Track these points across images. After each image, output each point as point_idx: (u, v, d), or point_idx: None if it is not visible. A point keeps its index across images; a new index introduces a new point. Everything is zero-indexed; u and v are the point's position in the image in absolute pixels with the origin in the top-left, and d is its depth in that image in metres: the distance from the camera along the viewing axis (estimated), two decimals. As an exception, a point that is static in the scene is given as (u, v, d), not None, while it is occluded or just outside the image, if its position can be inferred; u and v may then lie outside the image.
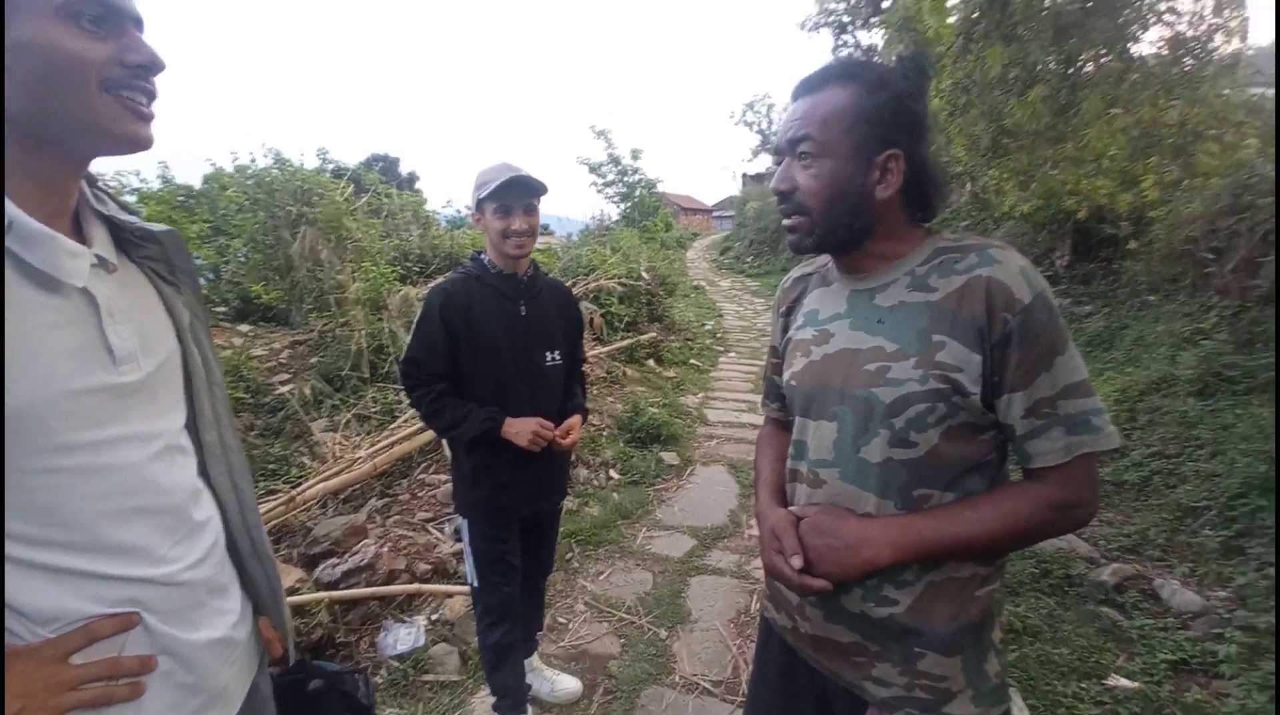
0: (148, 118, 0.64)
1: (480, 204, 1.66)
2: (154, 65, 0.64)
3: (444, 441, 3.45)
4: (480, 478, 1.73)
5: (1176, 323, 4.74)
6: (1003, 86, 3.77)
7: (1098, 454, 0.80)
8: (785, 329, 1.08)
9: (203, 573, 0.75)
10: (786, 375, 1.01)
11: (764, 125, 21.26)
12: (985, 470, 0.86)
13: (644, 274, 7.49)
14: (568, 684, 2.09)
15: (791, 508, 0.95)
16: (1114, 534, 3.16)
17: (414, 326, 1.68)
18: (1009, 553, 0.91)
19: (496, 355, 1.67)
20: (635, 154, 17.30)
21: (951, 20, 4.67)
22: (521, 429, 1.65)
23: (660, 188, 18.61)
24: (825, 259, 1.03)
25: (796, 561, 0.87)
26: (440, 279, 1.67)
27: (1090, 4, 3.52)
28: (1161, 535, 3.08)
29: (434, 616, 2.36)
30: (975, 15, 3.76)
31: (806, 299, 1.03)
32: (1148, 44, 3.63)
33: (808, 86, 0.90)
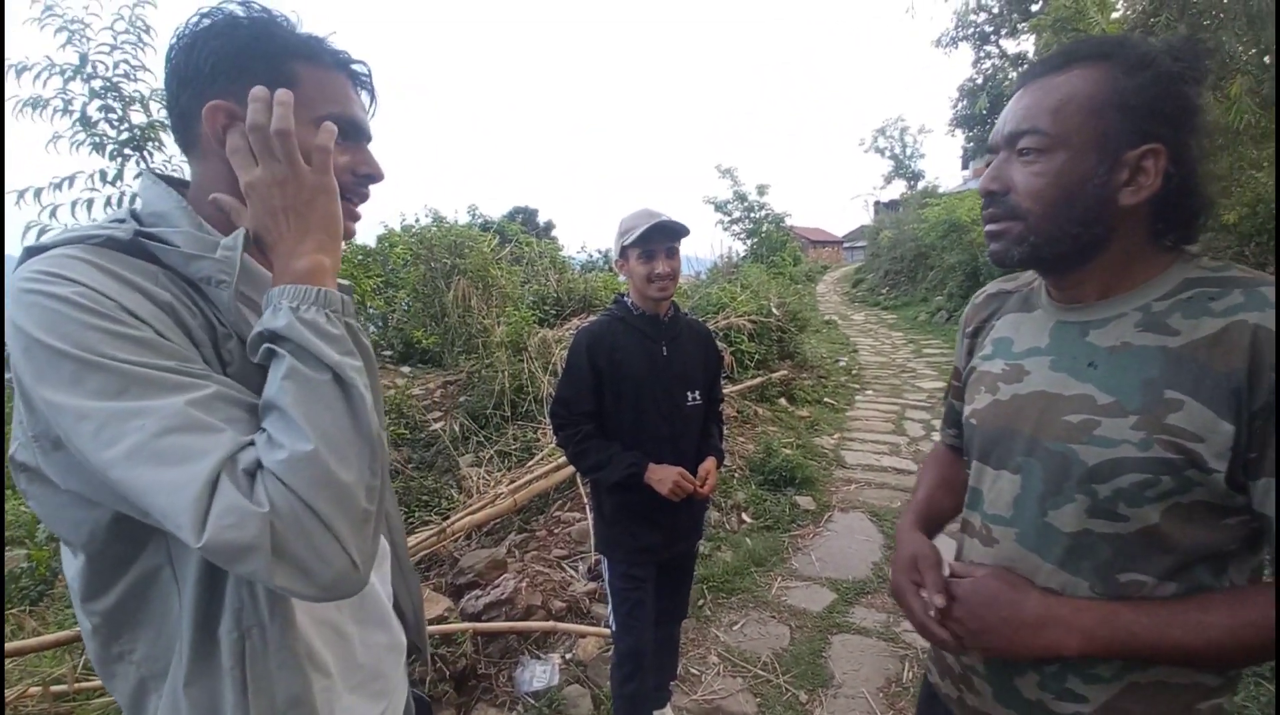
0: (357, 218, 0.75)
1: (625, 250, 1.71)
2: (375, 177, 0.75)
3: (581, 479, 3.56)
4: (620, 518, 1.76)
5: None
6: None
7: None
8: (970, 353, 0.95)
9: (385, 588, 0.83)
10: (966, 410, 0.90)
11: (896, 150, 20.34)
12: (1224, 562, 0.69)
13: (774, 310, 7.34)
14: None
15: (953, 562, 0.83)
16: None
17: (564, 368, 1.75)
18: (1242, 668, 0.73)
19: (639, 395, 1.72)
20: (761, 189, 17.25)
21: (1117, 15, 4.22)
22: (664, 477, 1.67)
23: (788, 221, 18.34)
24: (1031, 276, 0.90)
25: (939, 600, 0.76)
26: (587, 321, 1.77)
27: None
28: None
29: (568, 655, 2.38)
30: (1152, 5, 3.34)
31: (999, 322, 0.90)
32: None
33: (1041, 69, 0.74)
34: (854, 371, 8.08)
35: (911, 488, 4.10)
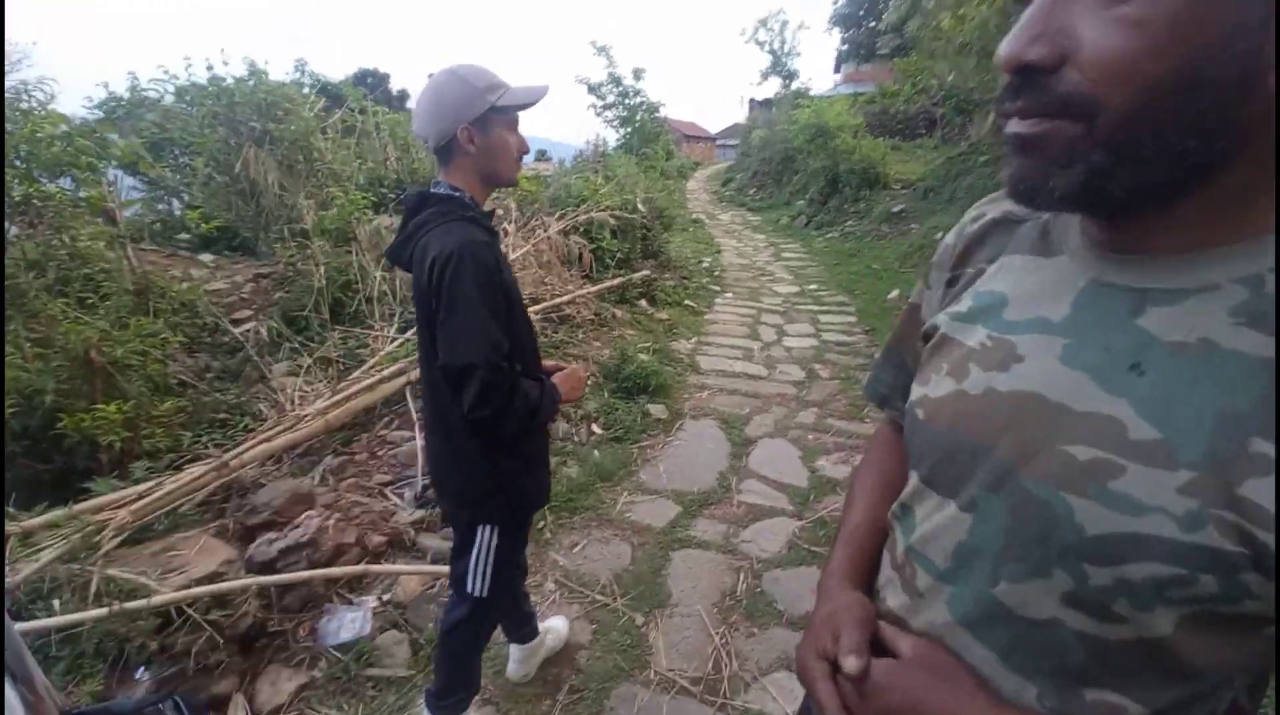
0: None
1: (488, 116, 1.28)
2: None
3: (413, 395, 3.16)
4: (534, 464, 1.48)
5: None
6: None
7: None
8: (942, 304, 0.64)
9: None
10: (915, 393, 0.60)
11: (776, 45, 19.91)
12: (1219, 688, 0.48)
13: (640, 206, 7.00)
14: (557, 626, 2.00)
15: (882, 628, 0.58)
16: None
17: (473, 300, 1.22)
18: None
19: (521, 312, 1.41)
20: (638, 74, 16.22)
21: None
22: (572, 382, 1.48)
23: (662, 112, 17.57)
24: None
25: (852, 664, 0.53)
26: (457, 225, 1.26)
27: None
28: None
29: (385, 597, 2.13)
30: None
31: (995, 267, 0.58)
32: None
33: None
34: (716, 273, 8.10)
35: (761, 396, 4.19)
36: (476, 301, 1.21)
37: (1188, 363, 0.43)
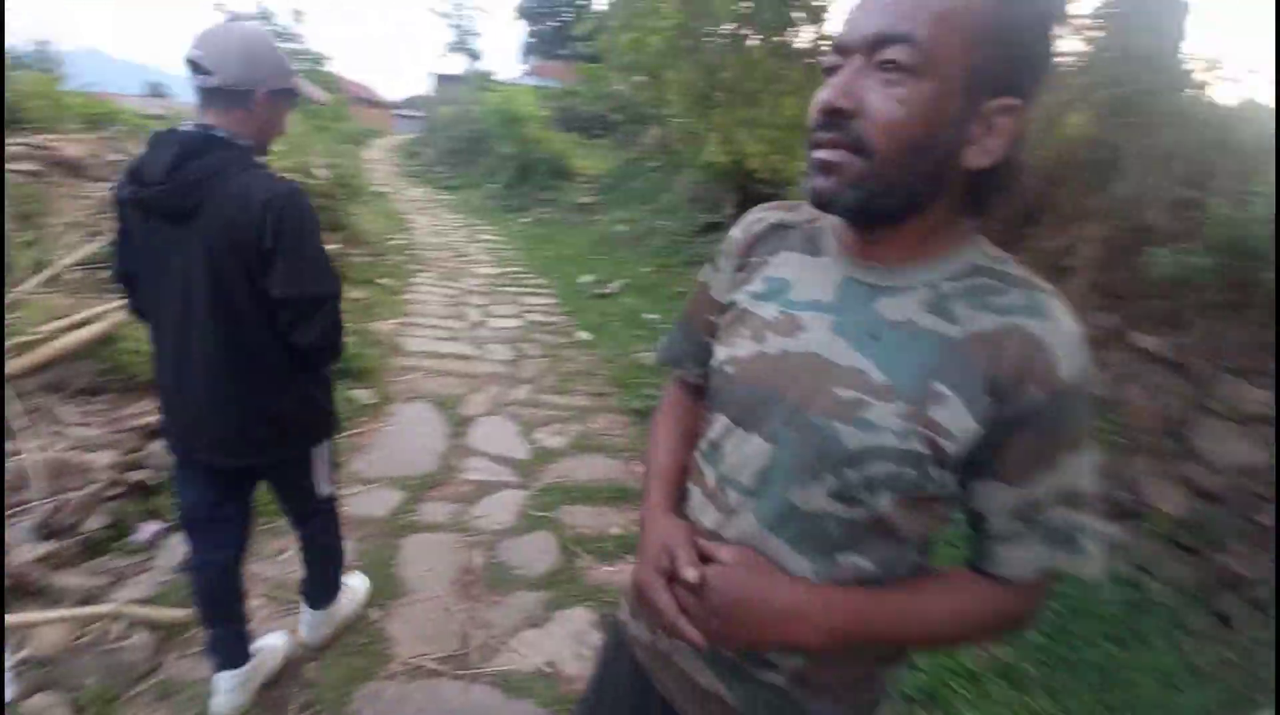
0: None
1: (284, 93, 1.38)
2: None
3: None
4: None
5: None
6: (718, 43, 3.95)
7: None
8: (734, 285, 0.80)
9: None
10: (722, 353, 0.76)
11: (461, 21, 19.35)
12: (915, 545, 0.70)
13: (317, 172, 6.18)
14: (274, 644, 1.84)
15: (701, 543, 0.72)
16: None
17: (317, 236, 1.36)
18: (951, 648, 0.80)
19: None
20: (298, 15, 14.01)
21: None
22: None
23: (330, 67, 15.57)
24: (811, 212, 0.76)
25: (691, 574, 0.67)
26: (266, 173, 1.33)
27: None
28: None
29: (20, 655, 1.56)
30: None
31: (777, 260, 0.76)
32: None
33: None
34: (411, 251, 7.66)
35: (474, 376, 4.19)
36: (319, 238, 1.35)
37: (901, 334, 0.65)
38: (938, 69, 0.57)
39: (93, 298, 3.13)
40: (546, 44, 21.88)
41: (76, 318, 2.78)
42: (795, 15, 3.71)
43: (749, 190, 7.71)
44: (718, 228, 8.23)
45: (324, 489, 1.71)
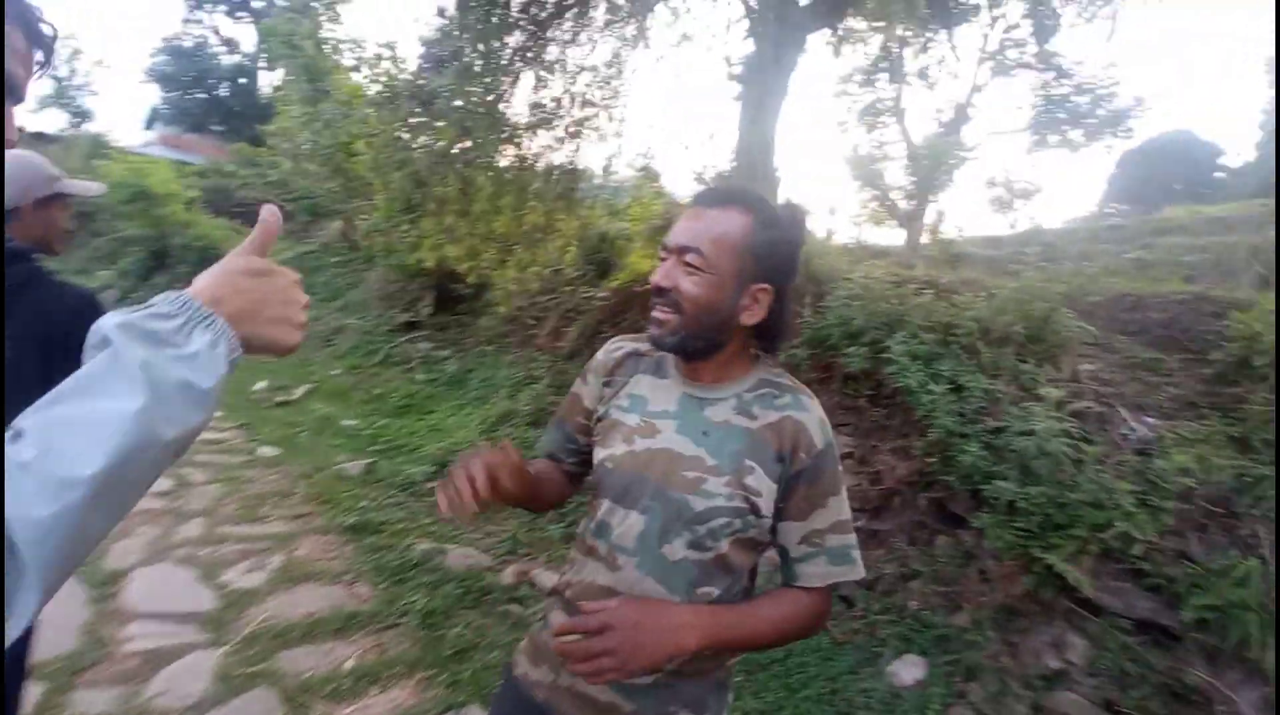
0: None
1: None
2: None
3: None
4: None
5: (514, 369, 6.24)
6: (433, 158, 4.18)
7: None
8: (601, 398, 1.08)
9: None
10: (601, 454, 1.02)
11: (63, 72, 15.58)
12: (746, 575, 1.02)
13: None
14: None
15: (582, 604, 0.92)
16: (496, 542, 3.88)
17: None
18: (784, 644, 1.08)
19: None
20: None
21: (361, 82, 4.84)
22: None
23: None
24: (649, 345, 1.03)
25: (593, 620, 0.85)
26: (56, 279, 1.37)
27: (481, 112, 4.37)
28: (526, 534, 3.98)
29: None
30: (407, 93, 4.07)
31: (634, 381, 1.05)
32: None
33: (709, 200, 0.96)
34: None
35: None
36: None
37: (723, 430, 0.96)
38: (716, 267, 0.92)
39: None
40: (184, 114, 18.99)
41: None
42: (501, 138, 4.20)
43: (446, 290, 7.89)
44: (415, 326, 8.13)
45: None
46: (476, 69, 4.20)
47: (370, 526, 3.64)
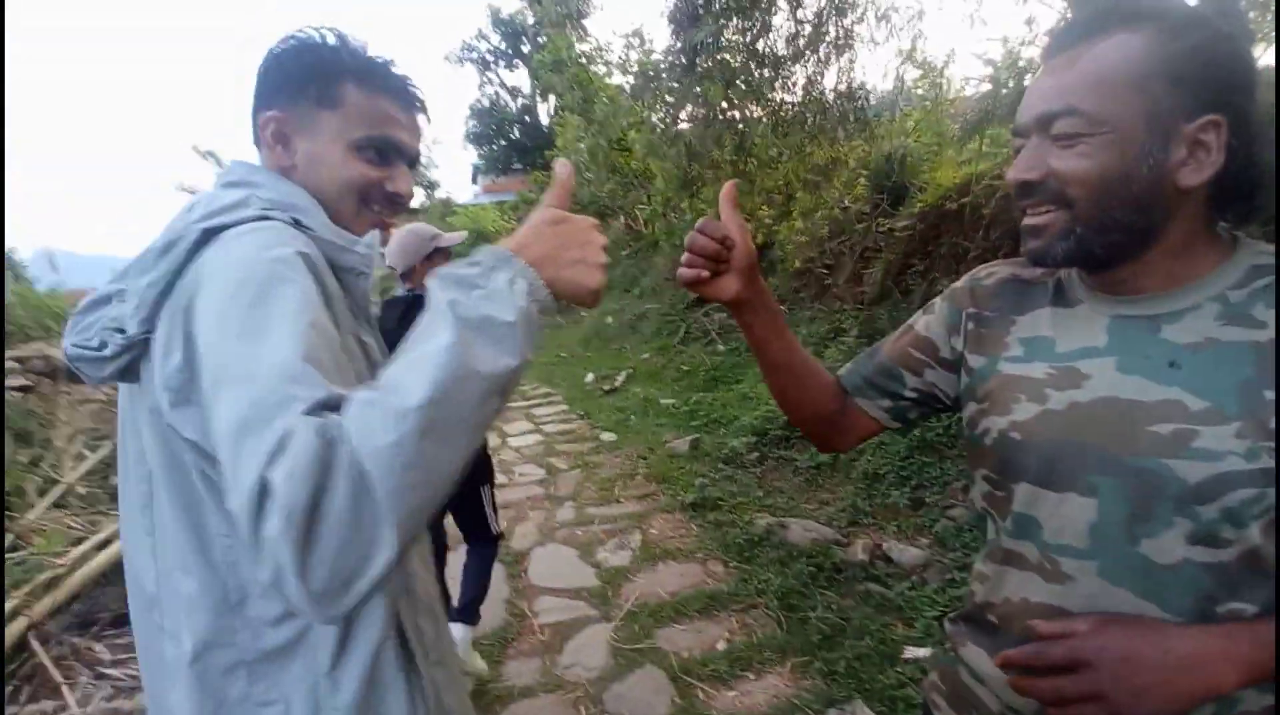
0: (380, 226, 0.84)
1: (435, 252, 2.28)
2: (400, 197, 0.83)
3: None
4: None
5: (816, 325, 5.87)
6: (702, 126, 4.10)
7: None
8: (956, 332, 0.82)
9: None
10: (999, 423, 0.73)
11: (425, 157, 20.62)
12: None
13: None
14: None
15: (1038, 623, 0.65)
16: (835, 512, 3.63)
17: None
18: None
19: None
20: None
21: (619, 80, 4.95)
22: None
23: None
24: (1041, 269, 0.77)
25: (1057, 651, 0.62)
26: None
27: (741, 55, 4.10)
28: (865, 503, 3.64)
29: None
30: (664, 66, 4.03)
31: (1026, 319, 0.76)
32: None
33: (1069, 39, 0.65)
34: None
35: (512, 504, 3.97)
36: None
37: (1206, 355, 0.62)
38: (1110, 123, 0.62)
39: (106, 511, 2.92)
40: (495, 163, 23.12)
41: (96, 539, 2.56)
42: (765, 77, 3.91)
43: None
44: (705, 300, 8.33)
45: (495, 526, 2.42)
46: (728, 5, 3.93)
47: (709, 503, 3.73)
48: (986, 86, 4.07)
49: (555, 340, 9.38)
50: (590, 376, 7.18)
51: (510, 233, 0.65)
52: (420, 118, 0.83)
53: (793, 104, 4.35)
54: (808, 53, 4.25)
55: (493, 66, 21.81)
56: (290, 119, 0.76)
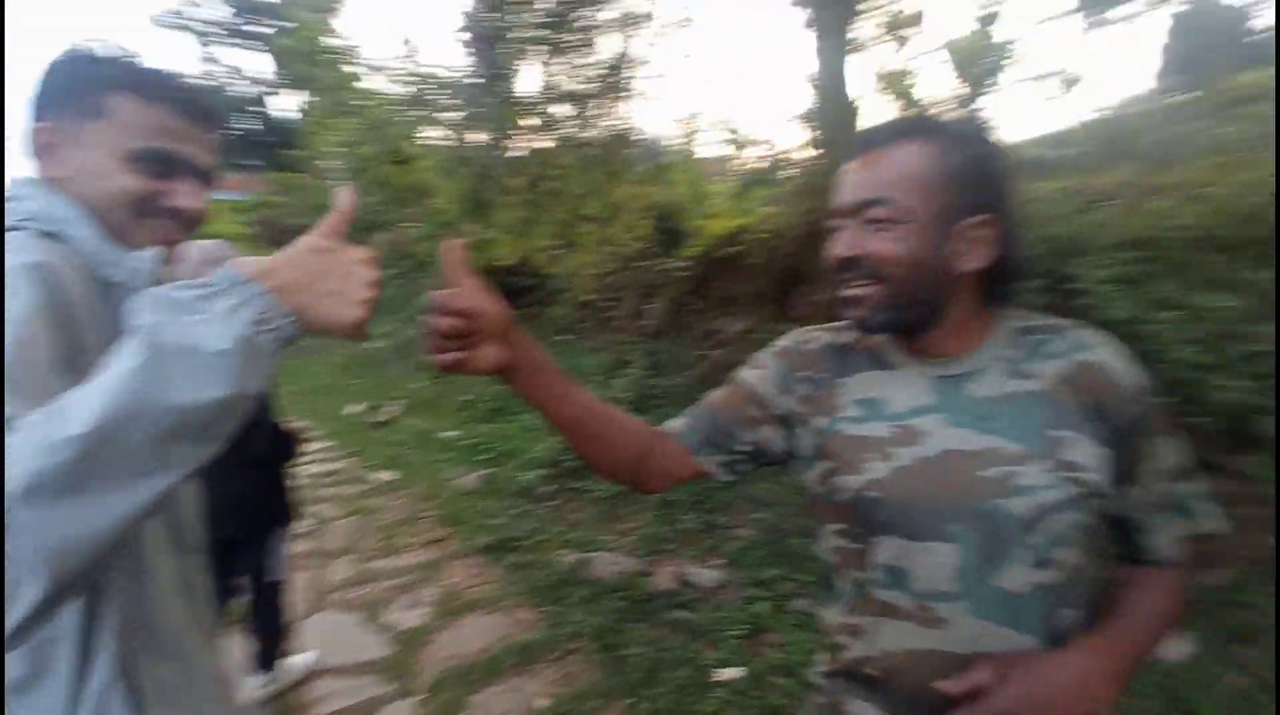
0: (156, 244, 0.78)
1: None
2: (182, 212, 0.79)
3: None
4: None
5: (600, 356, 6.03)
6: (492, 150, 3.94)
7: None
8: (793, 394, 0.86)
9: None
10: (856, 480, 0.78)
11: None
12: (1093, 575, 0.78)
13: None
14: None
15: (946, 685, 0.70)
16: (637, 541, 3.71)
17: None
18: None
19: None
20: None
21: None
22: None
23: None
24: (853, 333, 0.85)
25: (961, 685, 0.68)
26: None
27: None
28: (665, 529, 3.79)
29: None
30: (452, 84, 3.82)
31: (854, 382, 0.83)
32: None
33: (874, 141, 0.77)
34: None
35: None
36: None
37: (1006, 406, 0.75)
38: (913, 214, 0.73)
39: None
40: (223, 155, 19.54)
41: None
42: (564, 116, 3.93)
43: (504, 284, 7.72)
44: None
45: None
46: (513, 45, 3.89)
47: (507, 544, 3.53)
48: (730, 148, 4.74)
49: (308, 367, 8.16)
50: (358, 407, 6.37)
51: (251, 239, 0.58)
52: (210, 131, 0.81)
53: (591, 142, 4.48)
54: (608, 95, 4.43)
55: (217, 41, 18.58)
56: (58, 130, 0.75)
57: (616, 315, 6.14)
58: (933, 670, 0.73)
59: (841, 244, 0.77)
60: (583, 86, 4.19)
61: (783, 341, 0.91)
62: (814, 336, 0.90)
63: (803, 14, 4.39)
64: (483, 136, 3.97)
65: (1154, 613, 0.77)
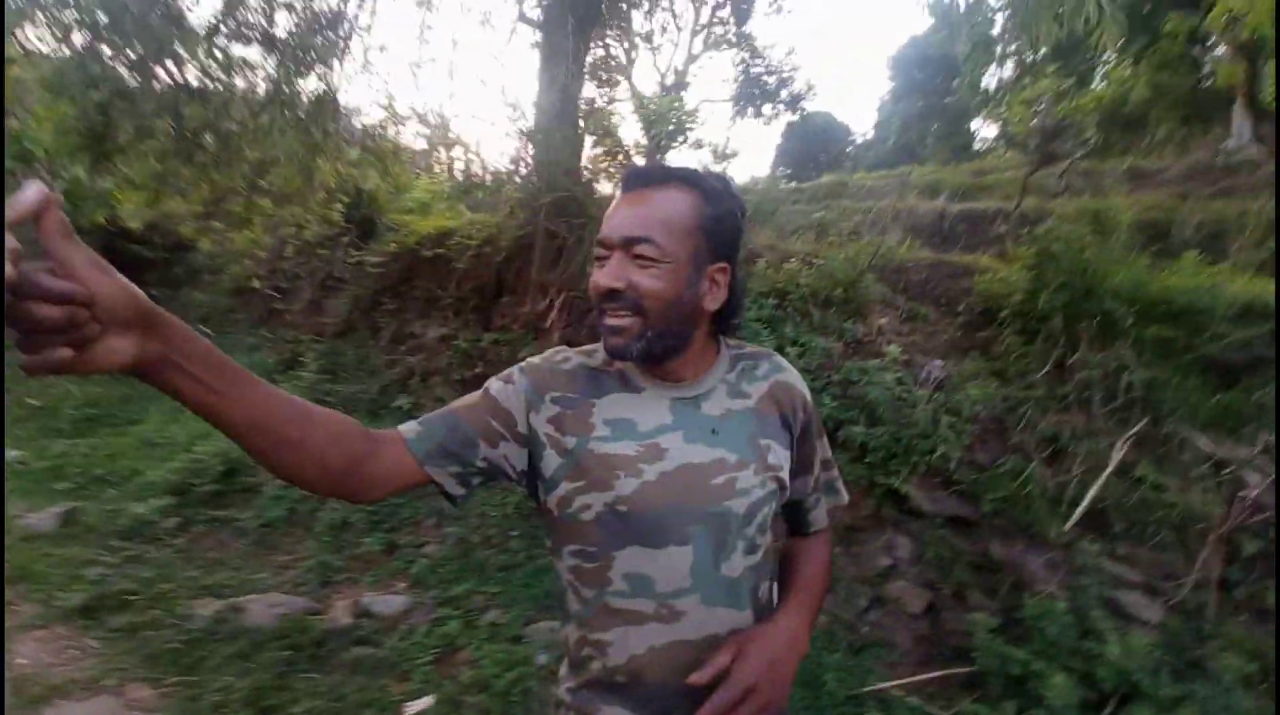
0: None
1: None
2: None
3: None
4: None
5: (263, 353, 5.04)
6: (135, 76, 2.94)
7: None
8: (540, 412, 0.87)
9: None
10: (605, 496, 0.84)
11: None
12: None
13: None
14: None
15: (696, 677, 0.78)
16: (302, 574, 3.19)
17: None
18: None
19: None
20: None
21: None
22: None
23: None
24: (604, 357, 0.90)
25: (735, 687, 0.77)
26: None
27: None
28: (336, 557, 3.34)
29: None
30: None
31: (605, 403, 0.88)
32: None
33: (644, 180, 0.85)
34: None
35: None
36: None
37: (728, 421, 0.88)
38: (673, 255, 0.81)
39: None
40: None
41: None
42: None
43: (118, 251, 5.93)
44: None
45: None
46: None
47: (110, 602, 2.68)
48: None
49: None
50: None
51: None
52: None
53: (289, 102, 3.66)
54: (317, 52, 3.71)
55: None
56: None
57: (288, 308, 5.23)
58: (674, 661, 0.82)
59: (608, 275, 0.82)
60: (287, 34, 3.43)
61: (535, 359, 0.92)
62: (568, 356, 0.93)
63: (533, 34, 4.45)
64: (129, 54, 2.87)
65: (822, 570, 1.00)
